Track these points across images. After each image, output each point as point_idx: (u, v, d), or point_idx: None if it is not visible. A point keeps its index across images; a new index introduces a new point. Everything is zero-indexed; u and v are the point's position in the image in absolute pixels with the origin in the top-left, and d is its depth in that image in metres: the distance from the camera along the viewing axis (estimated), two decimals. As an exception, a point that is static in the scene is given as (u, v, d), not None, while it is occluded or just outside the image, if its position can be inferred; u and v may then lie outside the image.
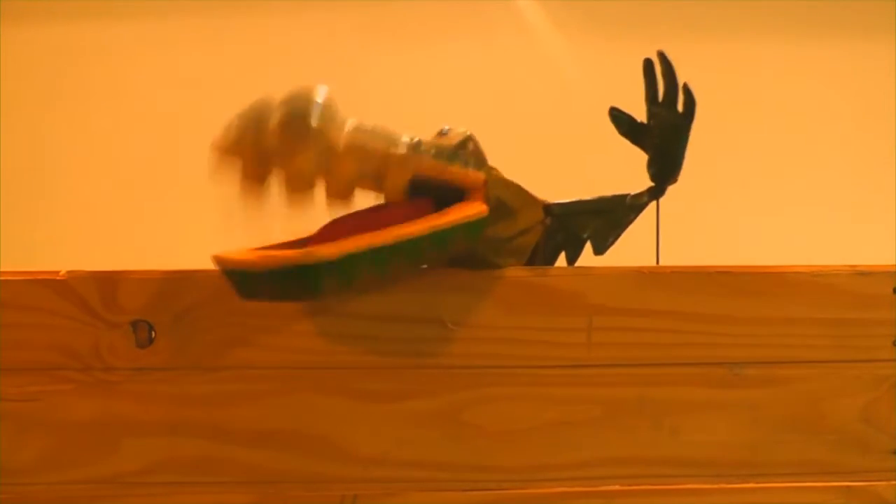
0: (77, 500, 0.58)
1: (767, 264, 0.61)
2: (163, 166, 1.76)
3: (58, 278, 0.57)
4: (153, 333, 0.58)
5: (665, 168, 0.67)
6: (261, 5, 1.85)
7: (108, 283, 0.57)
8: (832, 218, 1.77)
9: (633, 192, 0.67)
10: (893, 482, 0.60)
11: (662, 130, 0.66)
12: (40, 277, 0.57)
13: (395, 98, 1.81)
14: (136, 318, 0.57)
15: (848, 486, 0.60)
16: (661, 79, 0.67)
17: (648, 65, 0.67)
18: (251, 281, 0.52)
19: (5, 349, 0.57)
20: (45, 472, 0.57)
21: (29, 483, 0.57)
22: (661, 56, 0.66)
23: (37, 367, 0.57)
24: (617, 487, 0.59)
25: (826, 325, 0.60)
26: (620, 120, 0.68)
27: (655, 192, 0.67)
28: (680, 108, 0.66)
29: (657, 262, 0.69)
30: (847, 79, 1.85)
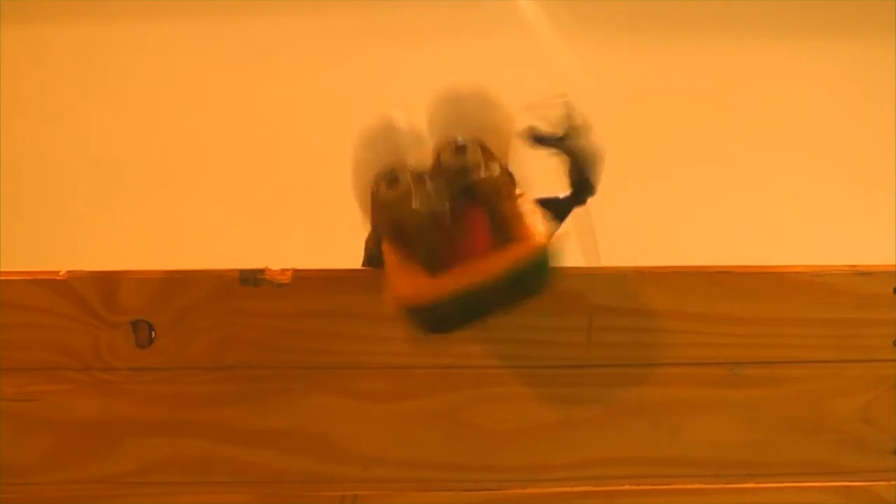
0: (77, 500, 0.58)
1: (767, 264, 0.61)
2: (163, 166, 1.76)
3: (58, 278, 0.57)
4: (153, 333, 0.58)
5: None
6: (261, 5, 1.85)
7: (108, 283, 0.57)
8: (832, 218, 1.77)
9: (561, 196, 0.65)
10: (893, 482, 0.60)
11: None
12: (40, 277, 0.57)
13: (395, 98, 1.81)
14: (136, 318, 0.57)
15: (848, 486, 0.60)
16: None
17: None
18: (475, 301, 0.50)
19: (5, 349, 0.57)
20: (45, 471, 0.57)
21: (29, 483, 0.57)
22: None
23: (37, 367, 0.57)
24: (617, 487, 0.59)
25: (826, 325, 0.60)
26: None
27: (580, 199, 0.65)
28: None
29: (599, 262, 0.67)
30: (847, 79, 1.85)
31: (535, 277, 0.51)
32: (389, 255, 0.52)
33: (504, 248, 0.50)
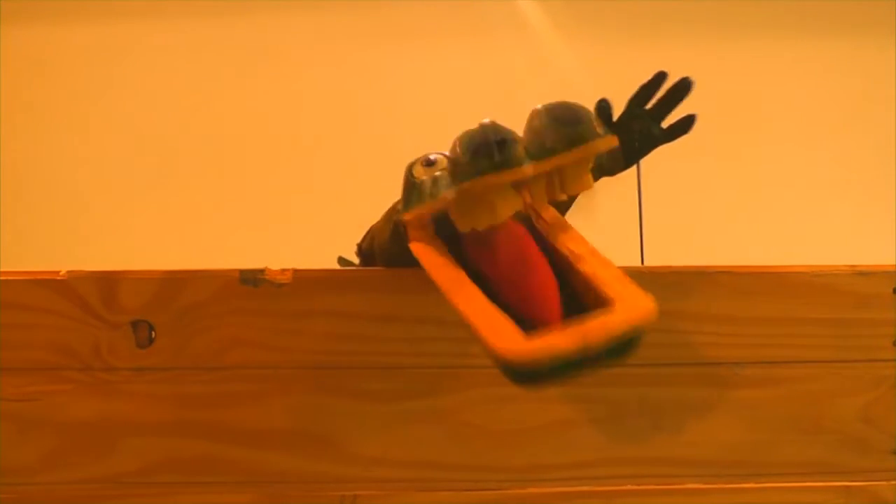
0: (77, 500, 0.57)
1: (767, 264, 0.61)
2: (163, 166, 1.76)
3: (58, 278, 0.57)
4: (153, 333, 0.58)
5: (619, 165, 0.67)
6: (261, 5, 1.85)
7: (108, 283, 0.57)
8: (832, 218, 1.77)
9: None
10: (893, 482, 0.60)
11: (640, 134, 0.67)
12: (40, 277, 0.57)
13: (395, 98, 1.81)
14: (136, 318, 0.57)
15: (848, 486, 0.60)
16: (662, 93, 0.67)
17: (661, 76, 0.67)
18: (573, 364, 0.46)
19: (5, 349, 0.57)
20: (45, 472, 0.57)
21: (29, 483, 0.57)
22: (684, 81, 0.67)
23: (37, 367, 0.57)
24: (617, 487, 0.59)
25: (826, 325, 0.60)
26: (605, 112, 0.68)
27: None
28: (664, 125, 0.66)
29: (641, 262, 0.68)
30: (847, 79, 1.85)
31: (637, 343, 0.48)
32: (475, 300, 0.49)
33: (611, 310, 0.47)
